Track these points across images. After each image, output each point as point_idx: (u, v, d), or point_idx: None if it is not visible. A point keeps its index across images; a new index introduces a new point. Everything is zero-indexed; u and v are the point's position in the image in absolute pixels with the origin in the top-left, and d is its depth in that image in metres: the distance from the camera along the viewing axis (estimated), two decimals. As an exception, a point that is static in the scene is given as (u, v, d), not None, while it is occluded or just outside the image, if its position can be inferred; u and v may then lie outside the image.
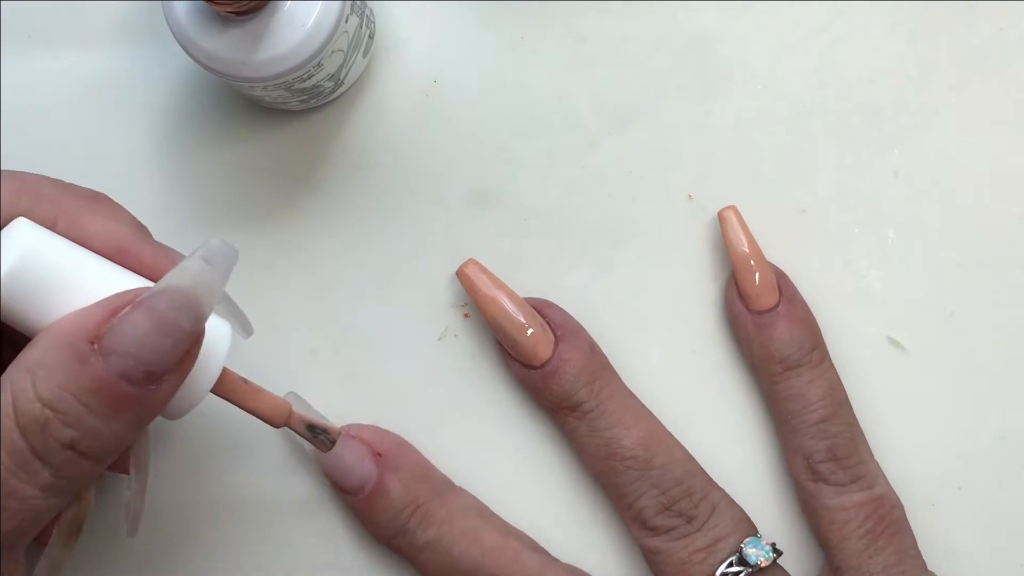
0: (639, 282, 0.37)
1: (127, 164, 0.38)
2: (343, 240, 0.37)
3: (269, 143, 0.38)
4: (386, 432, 0.36)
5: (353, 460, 0.34)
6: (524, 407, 0.36)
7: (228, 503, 0.36)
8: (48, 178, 0.30)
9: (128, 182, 0.37)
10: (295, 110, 0.37)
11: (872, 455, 0.34)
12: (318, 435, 0.32)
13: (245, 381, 0.30)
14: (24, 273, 0.27)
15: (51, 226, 0.29)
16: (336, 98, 0.37)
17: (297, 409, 0.31)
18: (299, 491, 0.36)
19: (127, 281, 0.28)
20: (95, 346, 0.26)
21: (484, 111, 0.38)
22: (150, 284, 0.29)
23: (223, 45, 0.32)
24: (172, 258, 0.30)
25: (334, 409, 0.36)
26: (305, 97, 0.35)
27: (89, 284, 0.28)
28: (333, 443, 0.32)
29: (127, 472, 0.30)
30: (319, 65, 0.33)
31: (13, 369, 0.26)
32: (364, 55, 0.37)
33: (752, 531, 0.34)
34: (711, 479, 0.34)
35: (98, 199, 0.30)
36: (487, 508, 0.35)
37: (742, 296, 0.35)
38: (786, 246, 0.37)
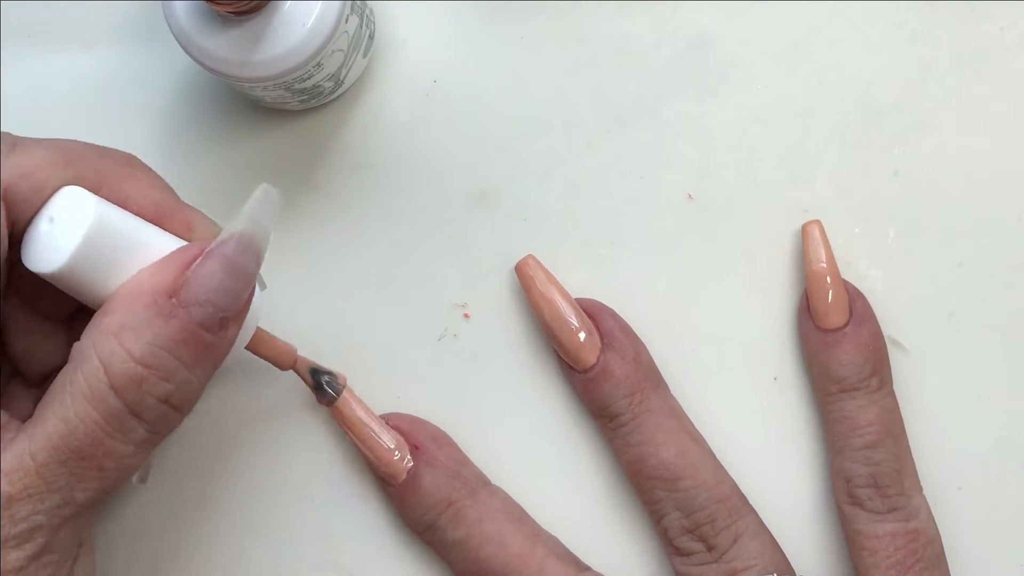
0: (639, 282, 0.37)
1: (127, 164, 0.38)
2: (343, 240, 0.37)
3: (269, 143, 0.38)
4: (425, 423, 0.36)
5: (387, 453, 0.34)
6: (524, 408, 0.36)
7: (229, 503, 0.36)
8: (89, 144, 0.31)
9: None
10: (295, 110, 0.37)
11: (920, 490, 0.34)
12: (323, 380, 0.34)
13: (260, 330, 0.32)
14: (93, 243, 0.28)
15: (95, 192, 0.29)
16: (336, 98, 0.37)
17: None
18: (300, 490, 0.36)
19: (175, 244, 0.30)
20: (174, 300, 0.27)
21: (484, 111, 0.38)
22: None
23: (223, 45, 0.32)
24: (204, 220, 0.31)
25: (334, 409, 0.36)
26: (305, 97, 0.35)
27: (147, 248, 0.29)
28: (338, 392, 0.34)
29: None
30: (319, 65, 0.33)
31: (94, 336, 0.27)
32: (364, 55, 0.37)
33: (775, 565, 0.33)
34: (742, 506, 0.34)
35: (132, 163, 0.31)
36: (519, 509, 0.35)
37: (811, 312, 0.35)
38: (786, 246, 0.37)
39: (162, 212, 0.30)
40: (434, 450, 0.35)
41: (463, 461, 0.35)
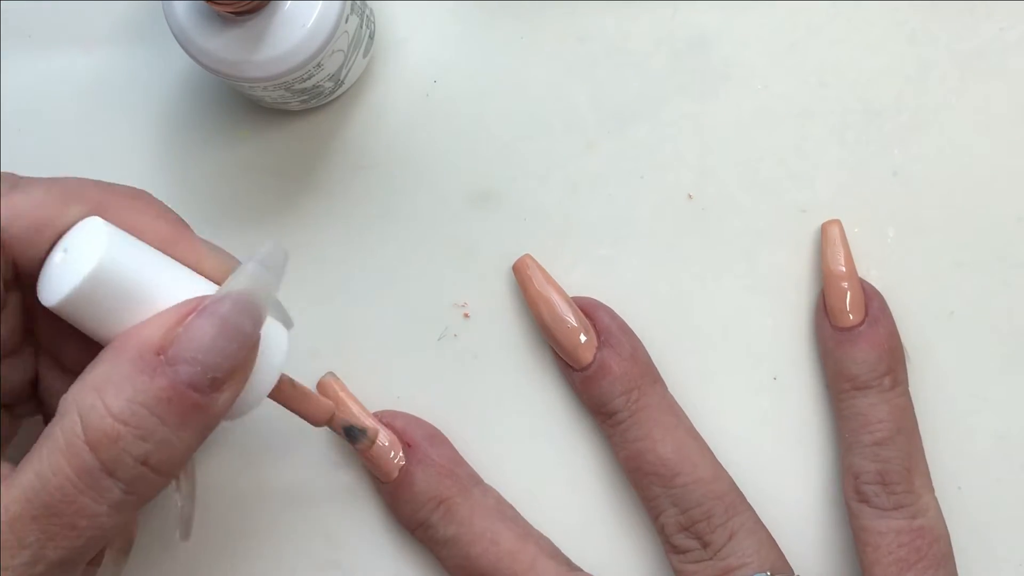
0: (639, 282, 0.37)
1: (127, 164, 0.38)
2: (343, 240, 0.37)
3: (269, 143, 0.38)
4: (420, 421, 0.36)
5: (381, 450, 0.34)
6: (523, 408, 0.36)
7: (228, 504, 0.36)
8: (90, 180, 0.30)
9: (128, 182, 0.37)
10: (295, 110, 0.37)
11: (931, 490, 0.34)
12: (356, 436, 0.33)
13: (293, 384, 0.31)
14: (99, 279, 0.27)
15: None
16: (336, 98, 0.37)
17: (335, 390, 0.35)
18: (300, 491, 0.36)
19: (194, 285, 0.28)
20: (162, 357, 0.26)
21: (484, 111, 0.38)
22: (212, 287, 0.29)
23: (223, 45, 0.32)
24: (215, 254, 0.30)
25: (334, 409, 0.36)
26: (305, 97, 0.35)
27: (159, 288, 0.28)
28: (372, 442, 0.34)
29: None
30: (319, 65, 0.33)
31: (77, 390, 0.26)
32: (364, 55, 0.37)
33: (771, 562, 0.33)
34: (739, 503, 0.34)
35: (140, 196, 0.30)
36: (511, 509, 0.35)
37: (827, 310, 0.35)
38: (786, 246, 0.37)
39: (169, 246, 0.29)
40: (427, 448, 0.35)
41: (457, 460, 0.35)
